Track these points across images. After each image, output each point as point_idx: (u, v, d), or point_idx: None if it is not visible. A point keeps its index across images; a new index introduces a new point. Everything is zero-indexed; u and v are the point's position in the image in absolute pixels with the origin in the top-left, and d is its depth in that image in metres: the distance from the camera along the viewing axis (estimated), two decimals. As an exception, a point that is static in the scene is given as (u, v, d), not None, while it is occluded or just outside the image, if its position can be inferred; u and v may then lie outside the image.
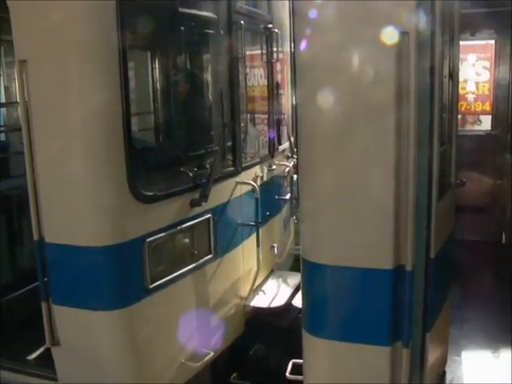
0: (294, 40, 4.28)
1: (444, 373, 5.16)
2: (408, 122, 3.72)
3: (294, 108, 6.07)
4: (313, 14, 3.93)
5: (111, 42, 4.25)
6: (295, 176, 7.53)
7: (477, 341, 5.51)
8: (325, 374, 4.33)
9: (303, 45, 4.08)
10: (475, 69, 10.11)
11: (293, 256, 8.26)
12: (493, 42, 9.99)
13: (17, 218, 6.86)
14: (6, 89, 9.06)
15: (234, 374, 6.77)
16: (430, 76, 3.87)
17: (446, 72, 4.40)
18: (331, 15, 3.89)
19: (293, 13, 4.39)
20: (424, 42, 3.79)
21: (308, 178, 4.22)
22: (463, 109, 10.21)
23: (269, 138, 7.13)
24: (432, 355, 4.28)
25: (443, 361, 5.14)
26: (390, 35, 3.70)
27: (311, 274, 4.26)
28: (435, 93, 3.92)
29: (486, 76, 10.24)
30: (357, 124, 3.90)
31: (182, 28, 5.63)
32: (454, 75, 4.70)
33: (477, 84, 10.26)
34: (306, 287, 4.40)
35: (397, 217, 3.85)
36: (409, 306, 3.93)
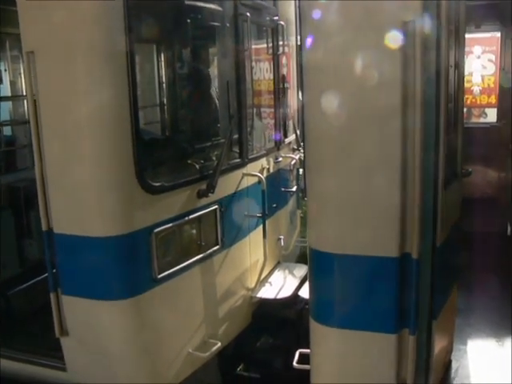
0: (301, 43, 4.29)
1: (450, 361, 5.18)
2: (414, 111, 3.73)
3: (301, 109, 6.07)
4: (319, 17, 3.96)
5: (118, 34, 4.27)
6: (301, 170, 7.57)
7: (482, 330, 5.53)
8: (332, 362, 4.36)
9: (310, 48, 4.12)
10: (481, 61, 10.10)
11: (299, 249, 8.30)
12: (498, 34, 9.96)
13: (25, 210, 6.89)
14: (12, 83, 9.09)
15: (241, 366, 6.80)
16: (436, 66, 3.88)
17: (451, 62, 4.41)
18: (338, 18, 3.91)
19: (299, 15, 4.39)
20: (430, 35, 3.79)
21: (315, 168, 4.24)
22: (469, 102, 10.20)
23: (275, 131, 7.14)
24: (438, 343, 4.30)
25: (449, 349, 5.17)
26: (394, 37, 3.72)
27: (318, 263, 4.28)
28: (441, 83, 3.93)
29: (491, 69, 10.23)
30: (362, 111, 3.92)
31: (188, 20, 5.64)
32: (459, 65, 4.70)
33: (482, 77, 10.25)
34: (314, 276, 4.42)
35: (403, 205, 3.87)
36: (415, 293, 3.95)
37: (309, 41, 4.11)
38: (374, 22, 3.82)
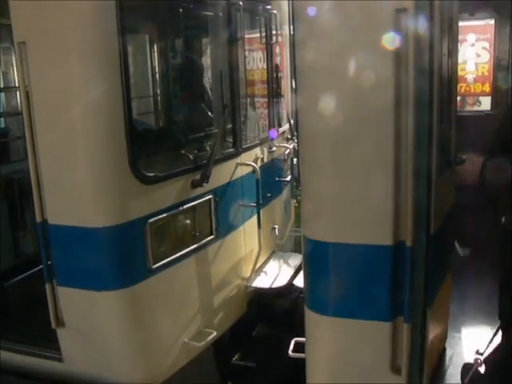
0: (295, 45, 4.29)
1: (444, 349, 5.21)
2: (408, 93, 3.73)
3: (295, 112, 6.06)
4: (314, 18, 3.95)
5: (111, 24, 4.25)
6: (295, 159, 7.57)
7: (476, 318, 5.56)
8: (327, 350, 4.38)
9: (304, 49, 4.12)
10: (475, 49, 10.07)
11: (293, 238, 8.31)
12: (492, 21, 9.93)
13: (19, 202, 6.88)
14: (4, 74, 9.06)
15: (237, 355, 6.83)
16: (429, 52, 3.87)
17: (445, 50, 4.41)
18: (332, 19, 3.90)
19: (293, 16, 4.39)
20: (423, 23, 3.78)
21: (308, 158, 4.24)
22: (463, 90, 10.19)
23: (268, 121, 7.13)
24: (432, 331, 4.32)
25: (443, 337, 5.19)
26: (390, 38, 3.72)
27: (312, 251, 4.29)
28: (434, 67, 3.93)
29: (485, 57, 10.20)
30: (356, 100, 3.92)
31: (181, 10, 5.63)
32: (452, 53, 4.70)
33: (476, 65, 10.23)
34: (308, 265, 4.43)
35: (397, 193, 3.88)
36: (409, 281, 3.96)
37: (302, 42, 4.11)
38: (367, 11, 3.81)
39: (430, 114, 3.90)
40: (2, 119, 8.96)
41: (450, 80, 4.64)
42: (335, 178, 4.05)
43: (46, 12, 4.23)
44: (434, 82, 3.90)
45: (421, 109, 3.81)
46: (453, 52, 4.64)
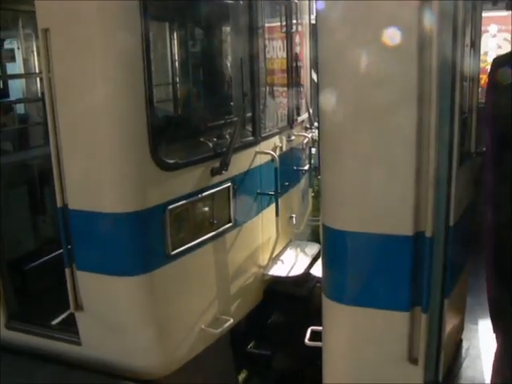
0: (316, 34, 4.27)
1: (461, 340, 5.20)
2: (430, 88, 3.72)
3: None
4: (337, 8, 3.95)
5: (134, 11, 4.27)
6: (313, 149, 7.57)
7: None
8: (344, 339, 4.39)
9: (327, 40, 4.10)
10: (496, 40, 9.97)
11: (310, 228, 8.32)
12: (515, 12, 9.82)
13: (39, 187, 6.95)
14: (25, 61, 9.11)
15: (252, 343, 6.86)
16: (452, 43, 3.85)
17: (467, 41, 4.38)
18: (356, 9, 3.88)
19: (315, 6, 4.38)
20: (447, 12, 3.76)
21: (330, 146, 4.24)
22: (483, 82, 10.09)
23: (287, 110, 7.13)
24: (450, 321, 4.31)
25: (460, 328, 5.18)
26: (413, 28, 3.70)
27: (332, 240, 4.29)
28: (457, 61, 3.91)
29: (507, 48, 10.09)
30: (378, 89, 3.91)
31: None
32: (475, 44, 4.66)
33: (498, 56, 10.11)
34: (327, 253, 4.43)
35: (417, 184, 3.87)
36: (428, 272, 3.96)
37: (325, 35, 4.10)
38: (391, 1, 3.79)
39: (452, 106, 3.88)
40: (23, 105, 9.03)
41: (473, 71, 4.61)
42: (356, 167, 4.04)
43: (70, -1, 4.26)
44: (457, 73, 3.88)
45: (442, 101, 3.79)
46: (475, 43, 4.61)
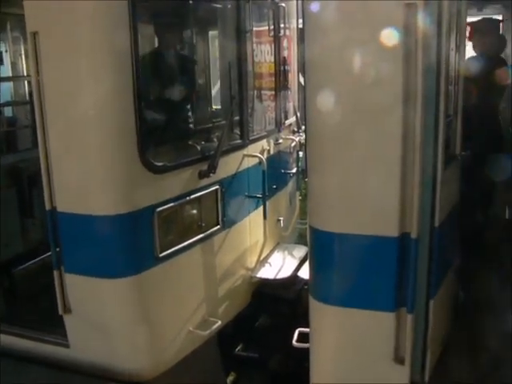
0: (303, 39, 4.32)
1: (448, 341, 5.23)
2: (416, 88, 3.77)
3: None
4: (323, 12, 3.99)
5: (123, 15, 4.29)
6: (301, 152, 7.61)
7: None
8: (331, 340, 4.42)
9: (313, 44, 4.15)
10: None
11: (297, 231, 8.35)
12: (500, 17, 9.90)
13: (27, 189, 6.93)
14: (13, 64, 9.10)
15: (240, 346, 6.88)
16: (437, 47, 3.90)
17: (452, 45, 4.43)
18: (341, 14, 3.93)
19: (302, 10, 4.42)
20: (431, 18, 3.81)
21: (317, 149, 4.28)
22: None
23: (275, 113, 7.17)
24: (435, 322, 4.36)
25: (447, 329, 5.22)
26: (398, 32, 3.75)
27: (318, 241, 4.33)
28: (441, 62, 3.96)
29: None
30: (365, 91, 3.96)
31: (190, 1, 5.65)
32: (460, 49, 4.72)
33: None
34: (314, 255, 4.47)
35: (403, 185, 3.92)
36: (413, 273, 4.01)
37: (312, 37, 4.13)
38: (376, 6, 3.83)
39: (437, 109, 3.93)
40: (10, 108, 9.00)
41: (457, 75, 4.67)
42: (342, 169, 4.09)
43: (59, 2, 4.27)
44: (442, 76, 3.94)
45: (427, 103, 3.85)
46: (460, 47, 4.67)
